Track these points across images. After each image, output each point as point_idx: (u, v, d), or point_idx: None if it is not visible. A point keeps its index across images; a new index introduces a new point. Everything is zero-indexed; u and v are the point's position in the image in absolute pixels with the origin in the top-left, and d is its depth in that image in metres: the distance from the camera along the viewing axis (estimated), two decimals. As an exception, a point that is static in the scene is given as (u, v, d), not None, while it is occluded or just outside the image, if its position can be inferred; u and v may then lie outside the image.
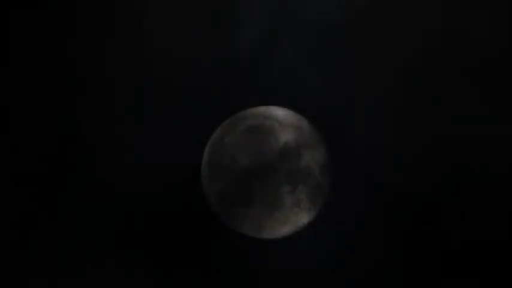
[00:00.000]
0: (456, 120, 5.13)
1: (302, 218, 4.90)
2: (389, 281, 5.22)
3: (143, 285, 5.29)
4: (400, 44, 5.19)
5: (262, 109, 5.02)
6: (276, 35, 5.35)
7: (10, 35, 5.27)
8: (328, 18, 5.25)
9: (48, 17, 5.26)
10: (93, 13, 5.27)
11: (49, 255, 5.24)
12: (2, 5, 5.21)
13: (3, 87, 5.27)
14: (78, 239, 5.24)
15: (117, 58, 5.33)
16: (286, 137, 4.79)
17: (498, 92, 5.12)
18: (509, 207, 5.06)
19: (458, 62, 5.14)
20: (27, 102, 5.26)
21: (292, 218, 4.85)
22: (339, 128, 5.19)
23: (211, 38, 5.36)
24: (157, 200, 5.29)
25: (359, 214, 5.21)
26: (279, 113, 4.98)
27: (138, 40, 5.34)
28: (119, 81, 5.32)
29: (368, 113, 5.23)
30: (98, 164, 5.29)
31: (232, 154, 4.77)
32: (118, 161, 5.30)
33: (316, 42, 5.33)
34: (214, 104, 5.26)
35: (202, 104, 5.28)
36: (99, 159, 5.30)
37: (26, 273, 5.18)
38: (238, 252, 5.25)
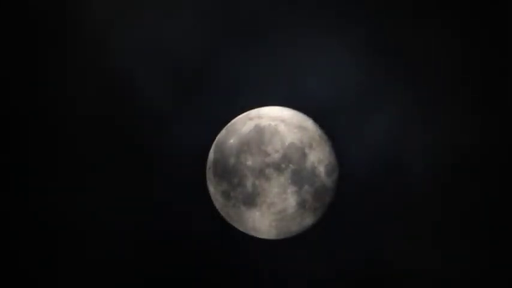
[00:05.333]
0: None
1: (307, 218, 4.89)
2: (392, 282, 5.23)
3: (143, 282, 5.25)
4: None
5: (267, 109, 5.00)
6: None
7: None
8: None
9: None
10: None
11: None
12: None
13: None
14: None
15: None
16: (291, 137, 4.78)
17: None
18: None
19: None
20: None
21: (298, 218, 4.84)
22: (345, 128, 5.19)
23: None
24: (160, 200, 5.26)
25: (363, 214, 5.23)
26: (284, 113, 4.96)
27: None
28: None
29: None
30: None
31: (237, 154, 4.75)
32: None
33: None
34: (218, 104, 5.24)
35: (206, 104, 5.27)
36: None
37: None
38: (241, 252, 5.23)
